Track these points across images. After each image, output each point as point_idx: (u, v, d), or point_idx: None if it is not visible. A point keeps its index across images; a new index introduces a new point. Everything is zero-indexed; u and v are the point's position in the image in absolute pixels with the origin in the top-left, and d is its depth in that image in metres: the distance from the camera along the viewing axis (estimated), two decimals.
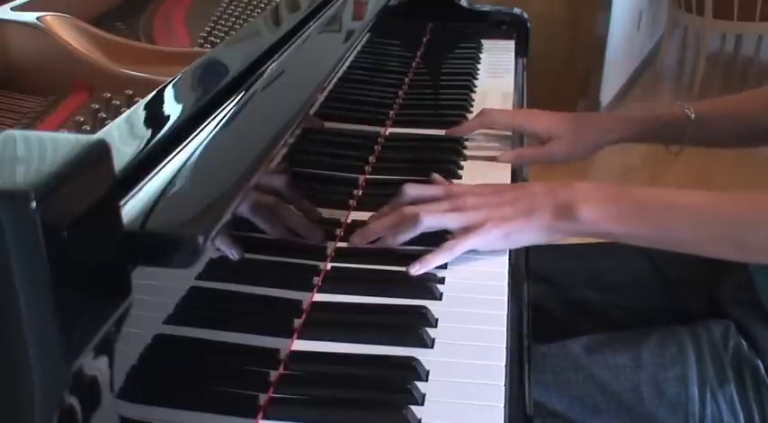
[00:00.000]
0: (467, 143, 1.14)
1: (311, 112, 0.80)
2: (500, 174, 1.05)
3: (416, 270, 0.82)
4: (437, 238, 0.85)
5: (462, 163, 1.08)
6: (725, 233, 0.84)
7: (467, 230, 0.84)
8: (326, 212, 0.88)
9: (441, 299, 0.80)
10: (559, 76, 3.20)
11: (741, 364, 0.90)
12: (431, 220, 0.84)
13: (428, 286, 0.80)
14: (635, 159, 3.13)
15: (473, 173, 1.05)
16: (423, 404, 0.66)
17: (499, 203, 0.86)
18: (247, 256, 0.66)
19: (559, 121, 1.12)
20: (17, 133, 0.42)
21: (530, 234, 0.85)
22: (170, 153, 0.56)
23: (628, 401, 0.90)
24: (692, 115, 1.10)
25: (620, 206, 0.84)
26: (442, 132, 1.16)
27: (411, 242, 0.85)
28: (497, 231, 0.84)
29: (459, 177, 1.04)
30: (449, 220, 0.85)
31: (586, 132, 1.11)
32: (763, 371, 0.89)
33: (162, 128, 0.58)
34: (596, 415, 0.90)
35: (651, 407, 0.89)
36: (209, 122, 0.62)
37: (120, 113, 0.62)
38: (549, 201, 0.85)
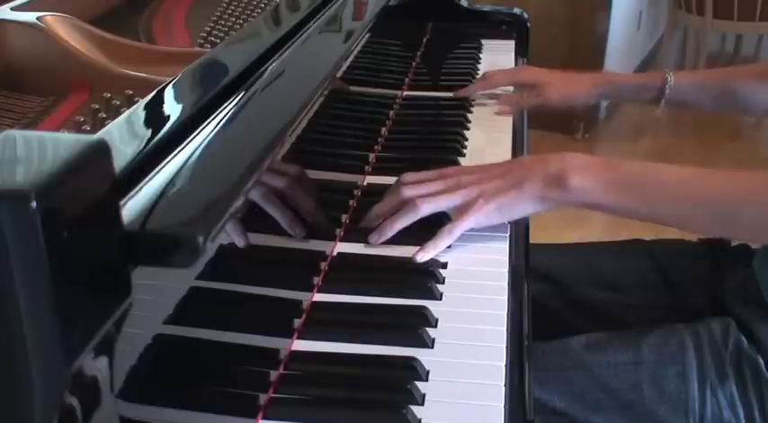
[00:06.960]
0: (466, 143, 1.14)
1: (311, 112, 0.80)
2: None
3: (421, 257, 0.84)
4: (434, 225, 0.86)
5: (461, 161, 1.08)
6: (711, 209, 0.84)
7: (462, 210, 0.85)
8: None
9: (441, 299, 0.80)
10: None
11: (741, 361, 0.90)
12: (428, 207, 0.85)
13: (428, 286, 0.80)
14: (635, 159, 3.12)
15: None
16: (423, 404, 0.66)
17: (490, 178, 0.87)
18: (248, 255, 0.66)
19: (551, 71, 1.30)
20: (17, 133, 0.42)
21: (522, 205, 0.86)
22: (170, 153, 0.55)
23: (628, 399, 0.90)
24: (671, 80, 1.21)
25: (609, 177, 0.85)
26: (441, 132, 1.15)
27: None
28: (489, 206, 0.85)
29: None
30: (444, 203, 0.86)
31: (574, 82, 1.30)
32: (763, 367, 0.89)
33: (162, 128, 0.58)
34: (597, 412, 0.91)
35: (651, 404, 0.89)
36: (209, 122, 0.62)
37: (120, 113, 0.62)
38: (540, 170, 0.85)
